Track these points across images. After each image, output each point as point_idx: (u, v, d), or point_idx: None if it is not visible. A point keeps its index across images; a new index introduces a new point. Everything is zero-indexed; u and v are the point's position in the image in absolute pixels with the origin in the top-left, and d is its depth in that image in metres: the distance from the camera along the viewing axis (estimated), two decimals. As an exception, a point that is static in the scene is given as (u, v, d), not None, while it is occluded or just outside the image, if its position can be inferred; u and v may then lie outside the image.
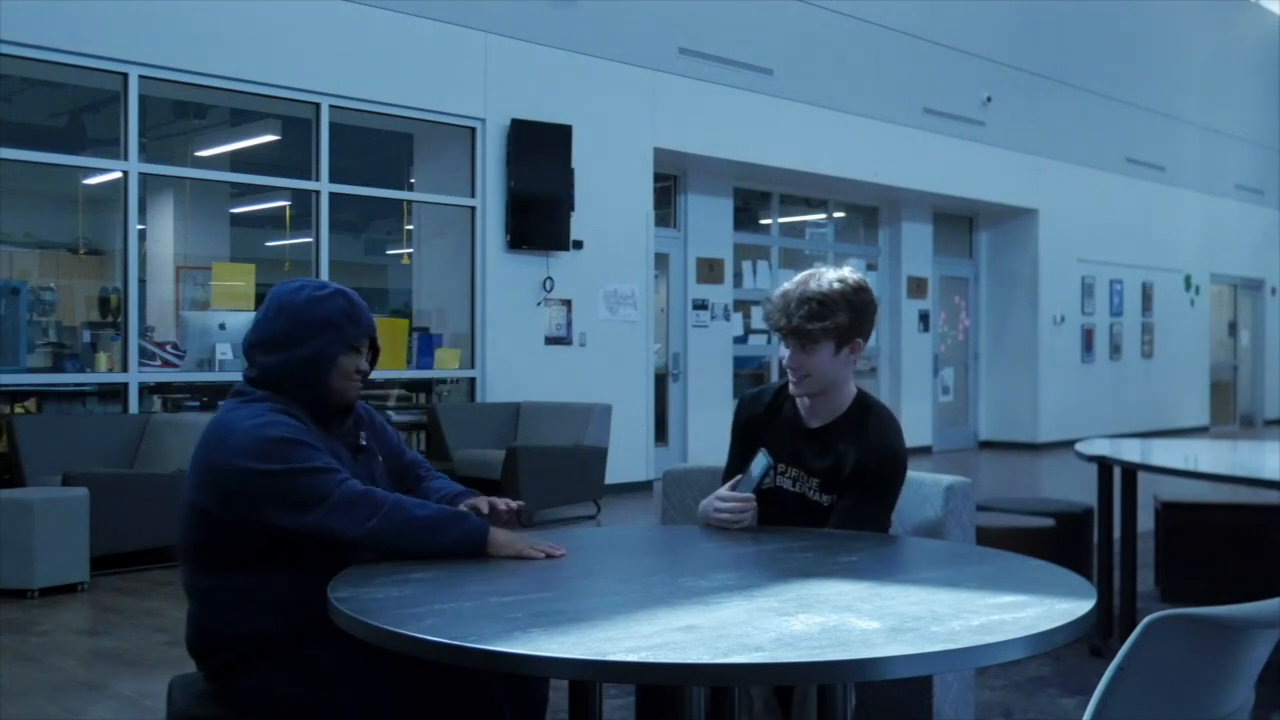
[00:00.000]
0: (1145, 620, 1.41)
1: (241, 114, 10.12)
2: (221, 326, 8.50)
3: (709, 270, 11.93)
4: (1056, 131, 14.95)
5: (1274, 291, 20.37)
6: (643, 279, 10.50)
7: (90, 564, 5.92)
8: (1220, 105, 18.19)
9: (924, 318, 14.44)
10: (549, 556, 2.31)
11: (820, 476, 2.73)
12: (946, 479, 2.91)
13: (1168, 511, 5.67)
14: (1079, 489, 6.84)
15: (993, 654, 1.70)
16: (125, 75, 7.67)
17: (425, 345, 9.43)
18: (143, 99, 7.79)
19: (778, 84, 11.49)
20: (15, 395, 8.05)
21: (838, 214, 13.99)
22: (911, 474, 2.90)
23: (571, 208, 9.68)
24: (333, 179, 8.73)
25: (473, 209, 9.50)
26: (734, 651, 1.64)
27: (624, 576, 2.34)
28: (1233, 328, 20.06)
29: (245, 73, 8.19)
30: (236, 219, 12.04)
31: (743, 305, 12.40)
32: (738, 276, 12.40)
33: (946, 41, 13.33)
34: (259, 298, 8.99)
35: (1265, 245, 19.69)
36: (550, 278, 9.78)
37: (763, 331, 12.55)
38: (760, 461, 2.69)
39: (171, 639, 4.89)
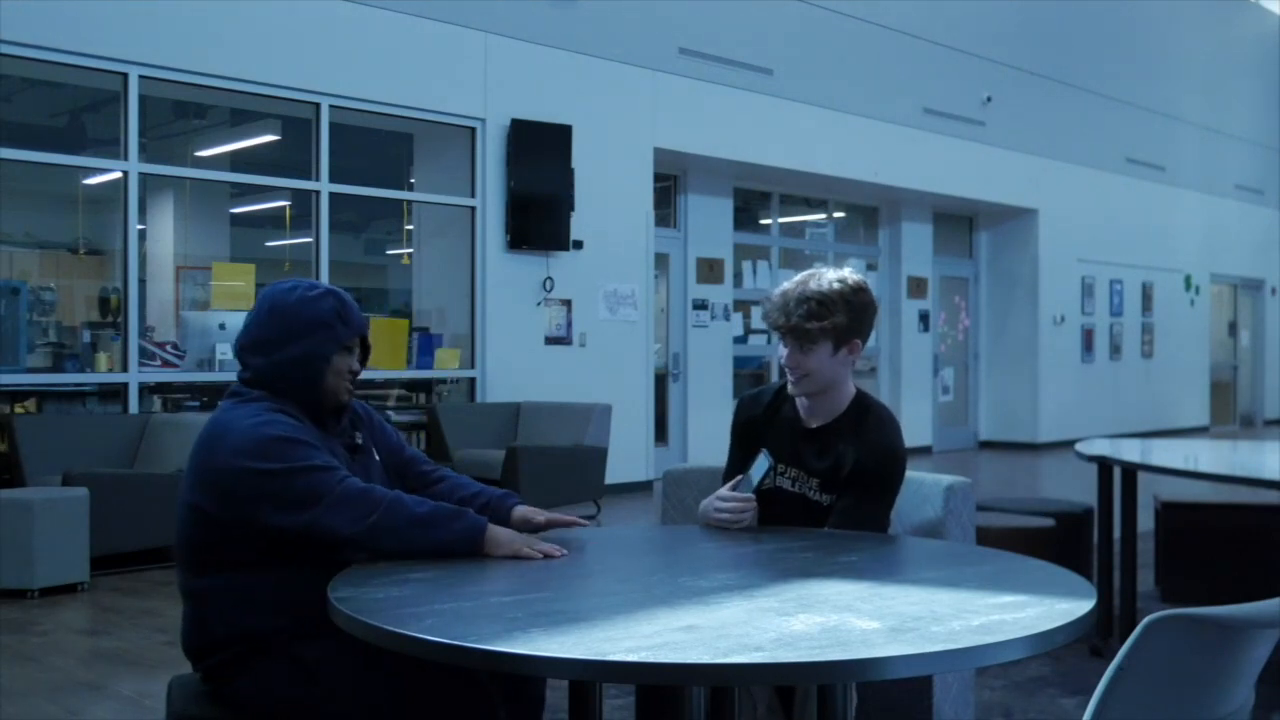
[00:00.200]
0: (1145, 620, 1.41)
1: (241, 114, 10.12)
2: (221, 326, 8.50)
3: (709, 270, 11.93)
4: (1056, 131, 14.94)
5: (1274, 291, 20.37)
6: (643, 279, 10.50)
7: (90, 564, 5.92)
8: (1220, 105, 18.19)
9: (924, 318, 14.44)
10: (547, 557, 2.30)
11: (820, 476, 2.73)
12: (946, 479, 2.91)
13: (1168, 511, 5.67)
14: (1079, 489, 6.84)
15: (993, 654, 1.70)
16: (125, 75, 7.67)
17: (425, 345, 9.43)
18: (143, 99, 7.79)
19: (778, 84, 11.49)
20: (15, 395, 8.05)
21: (838, 214, 13.99)
22: (911, 474, 2.90)
23: (571, 208, 9.68)
24: (333, 179, 8.73)
25: (473, 209, 9.50)
26: (734, 651, 1.64)
27: (624, 576, 2.34)
28: (1233, 328, 20.06)
29: (245, 73, 8.19)
30: (236, 219, 12.04)
31: (743, 305, 12.40)
32: (738, 276, 12.40)
33: (946, 41, 13.33)
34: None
35: (1265, 245, 19.69)
36: (550, 278, 9.78)
37: (763, 331, 12.54)
38: (761, 462, 2.69)
39: (171, 639, 4.88)
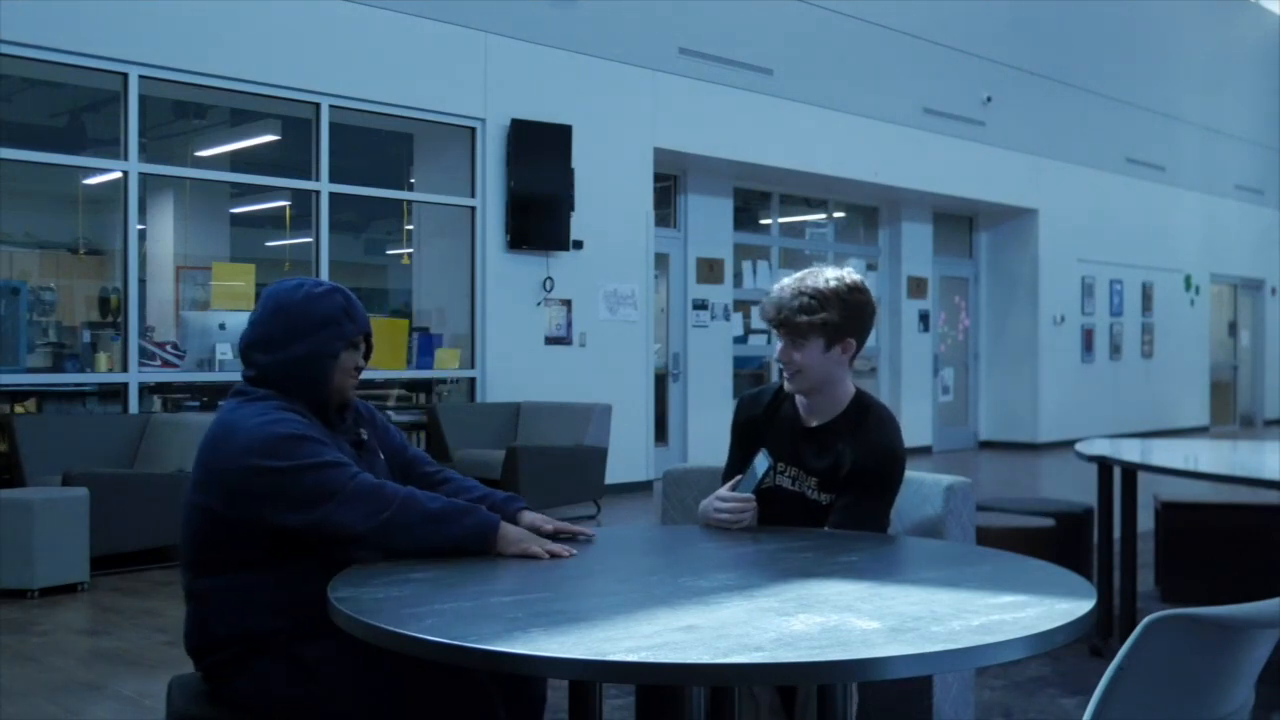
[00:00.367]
0: (1145, 620, 1.41)
1: (241, 114, 10.13)
2: (221, 326, 8.50)
3: (709, 270, 11.94)
4: (1056, 131, 14.95)
5: (1274, 291, 20.37)
6: (643, 279, 10.50)
7: (90, 564, 5.92)
8: (1220, 105, 18.19)
9: (924, 318, 14.44)
10: (554, 557, 2.30)
11: (819, 475, 2.73)
12: (946, 479, 2.91)
13: (1168, 511, 5.67)
14: (1079, 489, 6.84)
15: (993, 654, 1.70)
16: (125, 75, 7.67)
17: (425, 345, 9.43)
18: (143, 99, 7.79)
19: (777, 84, 11.49)
20: (15, 395, 8.05)
21: (838, 214, 14.00)
22: (911, 474, 2.90)
23: (571, 208, 9.68)
24: (333, 179, 8.73)
25: (473, 209, 9.50)
26: (734, 651, 1.64)
27: (624, 576, 2.33)
28: (1233, 328, 20.06)
29: (245, 73, 8.19)
30: (236, 219, 12.04)
31: (743, 305, 12.40)
32: (738, 276, 12.40)
33: (946, 41, 13.33)
34: (259, 298, 8.99)
35: (1265, 245, 19.69)
36: (550, 278, 9.78)
37: (763, 331, 12.54)
38: (761, 462, 2.69)
39: (171, 639, 4.89)
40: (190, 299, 9.69)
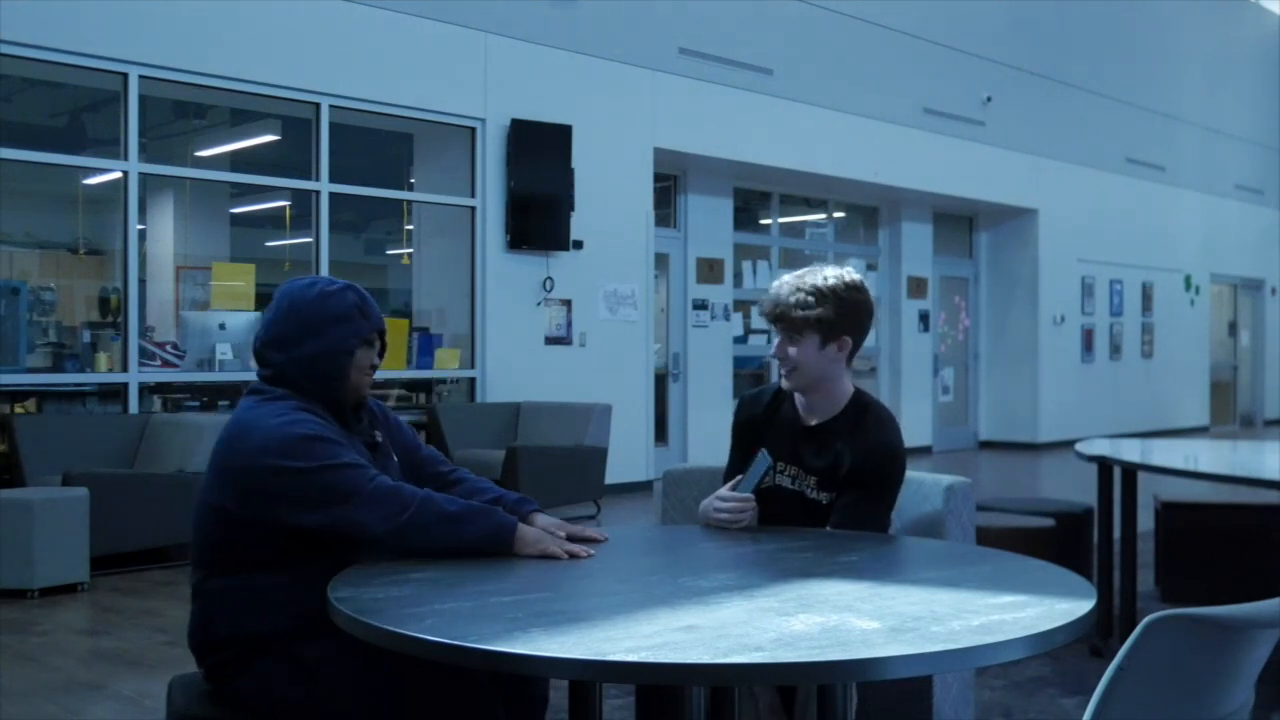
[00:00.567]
0: (1145, 620, 1.41)
1: (241, 114, 10.13)
2: (221, 326, 8.50)
3: (709, 270, 11.93)
4: (1056, 131, 14.94)
5: (1274, 291, 20.37)
6: (643, 279, 10.50)
7: (90, 564, 5.92)
8: (1220, 105, 18.19)
9: (924, 318, 14.44)
10: (573, 557, 2.31)
11: (818, 474, 2.73)
12: (946, 479, 2.91)
13: (1168, 511, 5.67)
14: (1079, 489, 6.84)
15: (993, 654, 1.70)
16: (125, 75, 7.67)
17: (425, 345, 9.43)
18: (143, 99, 7.79)
19: (778, 84, 11.48)
20: (15, 395, 8.05)
21: (838, 214, 13.99)
22: (911, 474, 2.90)
23: (571, 208, 9.68)
24: (333, 179, 8.73)
25: (473, 209, 9.50)
26: (734, 651, 1.64)
27: (624, 576, 2.33)
28: (1233, 328, 20.06)
29: (245, 73, 8.19)
30: (236, 219, 12.04)
31: (743, 305, 12.40)
32: (738, 276, 12.40)
33: (946, 41, 13.33)
34: (259, 298, 9.00)
35: (1265, 245, 19.69)
36: (550, 278, 9.78)
37: (763, 331, 12.54)
38: (760, 462, 2.69)
39: (171, 639, 4.89)
40: (190, 299, 9.69)
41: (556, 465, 8.27)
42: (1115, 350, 16.47)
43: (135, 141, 7.74)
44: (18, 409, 7.92)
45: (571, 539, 2.42)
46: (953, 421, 14.97)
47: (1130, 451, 5.11)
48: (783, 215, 13.31)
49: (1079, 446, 5.08)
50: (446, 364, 9.43)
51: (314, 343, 2.36)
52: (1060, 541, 5.03)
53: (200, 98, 9.18)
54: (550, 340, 9.85)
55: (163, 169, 9.13)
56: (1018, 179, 14.48)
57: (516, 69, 9.56)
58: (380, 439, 2.49)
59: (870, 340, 2.85)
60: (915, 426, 13.65)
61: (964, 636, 1.70)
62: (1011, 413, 15.10)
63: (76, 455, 6.75)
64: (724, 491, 2.71)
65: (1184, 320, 17.85)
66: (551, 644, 1.68)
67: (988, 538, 3.94)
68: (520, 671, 2.00)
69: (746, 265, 12.62)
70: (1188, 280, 18.01)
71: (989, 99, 13.90)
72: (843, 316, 2.69)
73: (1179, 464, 4.50)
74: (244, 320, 8.65)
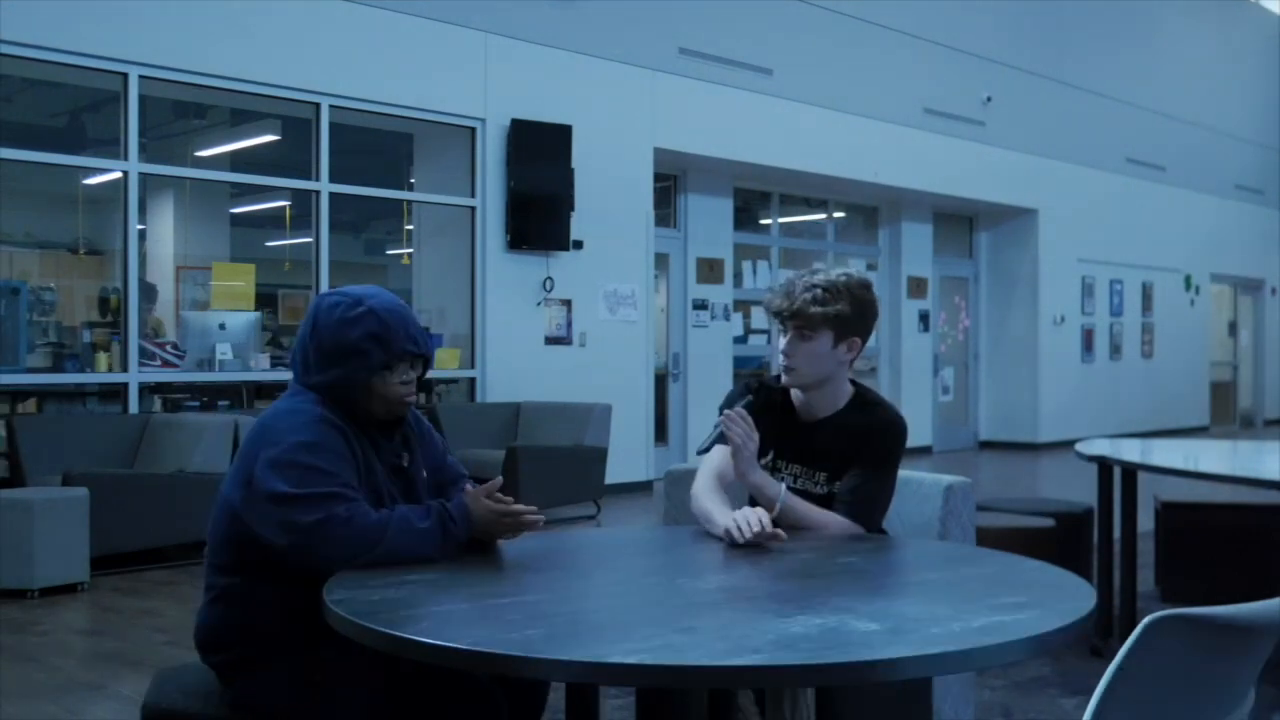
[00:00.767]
0: (1145, 620, 1.40)
1: (241, 114, 10.13)
2: (221, 326, 8.50)
3: (709, 270, 11.93)
4: (1056, 131, 14.94)
5: (1274, 291, 20.37)
6: (643, 279, 10.49)
7: (90, 564, 5.92)
8: (1220, 105, 18.18)
9: (924, 318, 14.44)
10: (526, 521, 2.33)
11: (829, 470, 2.71)
12: (946, 479, 2.90)
13: (1168, 511, 5.66)
14: (1079, 489, 6.84)
15: (993, 655, 1.70)
16: (125, 75, 7.67)
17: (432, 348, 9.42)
18: (143, 99, 7.79)
19: (778, 84, 11.48)
20: (15, 395, 8.05)
21: (838, 214, 13.99)
22: (912, 474, 2.89)
23: (571, 208, 9.68)
24: (333, 179, 8.73)
25: (473, 209, 9.50)
26: (733, 653, 1.63)
27: (623, 578, 2.33)
28: (1233, 328, 20.06)
29: (245, 73, 8.19)
30: (236, 219, 12.05)
31: (743, 305, 12.40)
32: (738, 276, 12.40)
33: (946, 41, 13.33)
34: (259, 298, 9.01)
35: (1265, 245, 19.68)
36: (550, 278, 9.78)
37: (763, 331, 12.54)
38: (718, 426, 2.65)
39: (171, 639, 4.89)
40: (190, 299, 9.69)
41: (556, 465, 8.27)
42: (1115, 350, 16.47)
43: (135, 141, 7.74)
44: (18, 409, 7.93)
45: (509, 516, 2.36)
46: (953, 421, 14.97)
47: (1130, 451, 5.11)
48: (783, 215, 13.31)
49: (1079, 446, 5.08)
50: (446, 364, 9.42)
51: (331, 370, 2.35)
52: (1060, 541, 5.02)
53: (200, 98, 9.18)
54: (550, 340, 9.85)
55: (163, 169, 9.14)
56: (1018, 179, 14.48)
57: (516, 69, 9.56)
58: (406, 463, 2.45)
59: (870, 340, 2.83)
60: (915, 427, 13.54)
61: (964, 638, 1.69)
62: (1011, 413, 15.10)
63: (76, 455, 6.75)
64: (754, 516, 2.45)
65: (1184, 320, 17.85)
66: (549, 646, 1.68)
67: (988, 538, 3.93)
68: (517, 674, 2.00)
69: (746, 265, 12.62)
70: (1188, 280, 18.01)
71: (989, 99, 13.90)
72: (856, 314, 2.68)
73: (1179, 464, 4.50)
74: (244, 320, 8.65)
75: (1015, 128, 14.27)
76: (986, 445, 15.16)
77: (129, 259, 7.79)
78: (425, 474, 2.50)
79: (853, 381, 2.79)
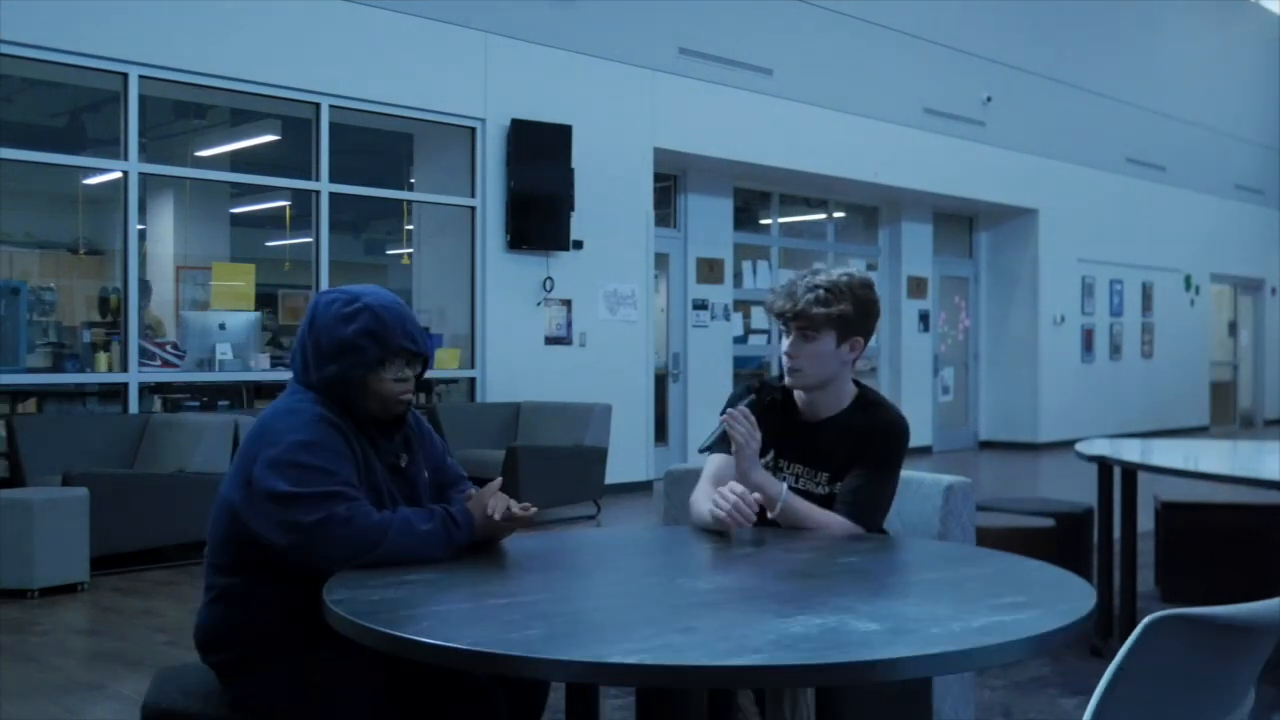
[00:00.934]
0: (1145, 620, 1.40)
1: (241, 114, 10.13)
2: (221, 326, 8.50)
3: (709, 270, 11.93)
4: (1056, 131, 14.94)
5: (1274, 291, 20.36)
6: (643, 279, 10.49)
7: (90, 564, 5.91)
8: (1220, 105, 18.18)
9: (924, 318, 14.44)
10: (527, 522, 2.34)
11: (832, 471, 2.71)
12: (946, 479, 2.90)
13: (1168, 511, 5.66)
14: (1079, 489, 6.84)
15: (993, 655, 1.70)
16: (125, 75, 7.67)
17: (431, 348, 9.42)
18: (143, 99, 7.79)
19: (778, 84, 11.48)
20: (15, 395, 8.05)
21: (838, 214, 13.99)
22: (911, 474, 2.89)
23: (571, 208, 9.67)
24: (333, 179, 8.73)
25: (473, 209, 9.50)
26: (732, 654, 1.63)
27: (622, 578, 2.33)
28: (1233, 328, 20.06)
29: (245, 73, 8.19)
30: (236, 219, 12.05)
31: (743, 305, 12.40)
32: (738, 276, 12.40)
33: (946, 41, 13.33)
34: (259, 298, 9.00)
35: (1265, 245, 19.68)
36: (550, 278, 9.78)
37: (763, 331, 12.54)
38: (720, 426, 2.65)
39: (171, 639, 4.89)
40: (190, 299, 9.69)
41: (556, 465, 8.27)
42: (1115, 350, 16.47)
43: (135, 141, 7.74)
44: (18, 409, 7.93)
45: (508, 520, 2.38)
46: (953, 421, 14.97)
47: (1130, 451, 5.11)
48: (783, 215, 13.31)
49: (1079, 446, 5.08)
50: (446, 364, 9.42)
51: (330, 367, 2.35)
52: (1060, 541, 5.02)
53: (200, 98, 9.18)
54: (550, 340, 9.85)
55: (163, 169, 9.14)
56: (1018, 179, 14.47)
57: (516, 69, 9.56)
58: (405, 464, 2.45)
59: (870, 340, 2.83)
60: (915, 427, 13.41)
61: (964, 638, 1.69)
62: (1011, 413, 15.10)
63: (76, 455, 6.75)
64: (726, 490, 2.58)
65: (1184, 320, 17.85)
66: (549, 646, 1.68)
67: (988, 538, 3.93)
68: (517, 674, 2.00)
69: (746, 265, 12.61)
70: (1188, 280, 18.01)
71: (989, 99, 13.90)
72: (859, 314, 2.68)
73: (1179, 464, 4.50)
74: (244, 320, 8.65)
75: (1015, 128, 14.27)
76: (986, 445, 15.16)
77: (129, 259, 7.79)
78: (426, 475, 2.50)
79: (856, 382, 2.79)
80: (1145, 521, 5.54)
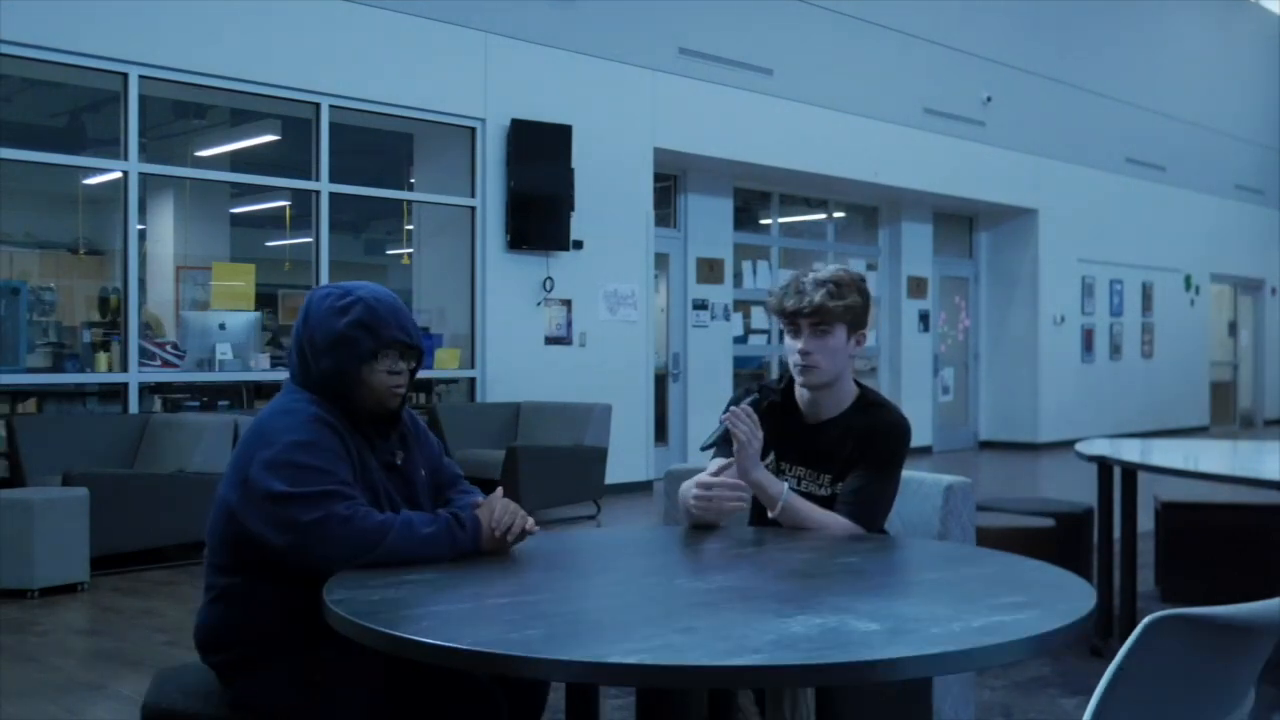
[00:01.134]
0: (1145, 620, 1.40)
1: (241, 114, 10.13)
2: (221, 326, 8.50)
3: (709, 270, 11.93)
4: (1056, 131, 14.94)
5: (1274, 291, 20.36)
6: (643, 279, 10.49)
7: (90, 564, 5.92)
8: (1220, 105, 18.18)
9: (924, 318, 14.44)
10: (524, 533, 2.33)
11: (830, 472, 2.71)
12: (946, 479, 2.90)
13: (1168, 511, 5.66)
14: (1079, 489, 6.84)
15: (993, 655, 1.70)
16: (125, 75, 7.67)
17: (425, 345, 9.41)
18: (143, 99, 7.79)
19: (778, 84, 11.48)
20: (15, 395, 8.04)
21: (838, 214, 13.99)
22: (911, 474, 2.89)
23: (571, 208, 9.67)
24: (333, 179, 8.73)
25: (473, 209, 9.50)
26: (732, 654, 1.63)
27: (622, 578, 2.33)
28: (1233, 328, 20.06)
29: (245, 73, 8.19)
30: (236, 219, 12.05)
31: (743, 305, 12.40)
32: (738, 276, 12.40)
33: (946, 41, 13.33)
34: (259, 298, 9.00)
35: (1265, 245, 19.68)
36: (550, 278, 9.78)
37: (763, 331, 12.54)
38: (721, 425, 2.65)
39: (171, 639, 4.89)
40: (190, 299, 9.69)
41: (556, 465, 8.27)
42: (1115, 350, 16.47)
43: (135, 141, 7.74)
44: (18, 409, 7.93)
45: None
46: (953, 421, 14.97)
47: (1130, 451, 5.11)
48: (783, 215, 13.31)
49: (1079, 446, 5.08)
50: (446, 364, 9.42)
51: (322, 360, 2.36)
52: (1060, 541, 5.02)
53: (200, 98, 9.18)
54: (550, 340, 9.85)
55: (163, 169, 9.14)
56: (1018, 179, 14.48)
57: (516, 69, 9.56)
58: (400, 461, 2.45)
59: (870, 340, 2.84)
60: (915, 427, 13.40)
61: (964, 638, 1.69)
62: (1011, 413, 15.10)
63: (76, 455, 6.75)
64: (705, 477, 2.63)
65: (1184, 320, 17.85)
66: (549, 646, 1.68)
67: (988, 538, 3.93)
68: (517, 674, 2.00)
69: (746, 265, 12.61)
70: (1188, 280, 18.01)
71: (989, 99, 13.90)
72: (864, 307, 2.71)
73: (1179, 464, 4.50)
74: (244, 320, 8.65)
75: (1015, 128, 14.27)
76: (986, 445, 15.16)
77: (129, 259, 7.79)
78: (424, 474, 2.50)
79: (857, 382, 2.80)
80: (1145, 521, 5.54)
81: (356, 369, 2.35)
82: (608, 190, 10.03)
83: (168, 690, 2.44)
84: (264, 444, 2.26)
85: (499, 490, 2.43)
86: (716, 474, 2.65)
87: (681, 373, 11.71)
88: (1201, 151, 17.81)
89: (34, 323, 8.79)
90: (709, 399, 11.62)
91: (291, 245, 11.89)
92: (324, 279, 8.66)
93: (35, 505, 5.69)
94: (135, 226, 7.89)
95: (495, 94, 9.43)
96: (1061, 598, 1.94)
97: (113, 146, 7.87)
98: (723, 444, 2.73)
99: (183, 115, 10.27)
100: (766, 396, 2.80)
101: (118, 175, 7.84)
